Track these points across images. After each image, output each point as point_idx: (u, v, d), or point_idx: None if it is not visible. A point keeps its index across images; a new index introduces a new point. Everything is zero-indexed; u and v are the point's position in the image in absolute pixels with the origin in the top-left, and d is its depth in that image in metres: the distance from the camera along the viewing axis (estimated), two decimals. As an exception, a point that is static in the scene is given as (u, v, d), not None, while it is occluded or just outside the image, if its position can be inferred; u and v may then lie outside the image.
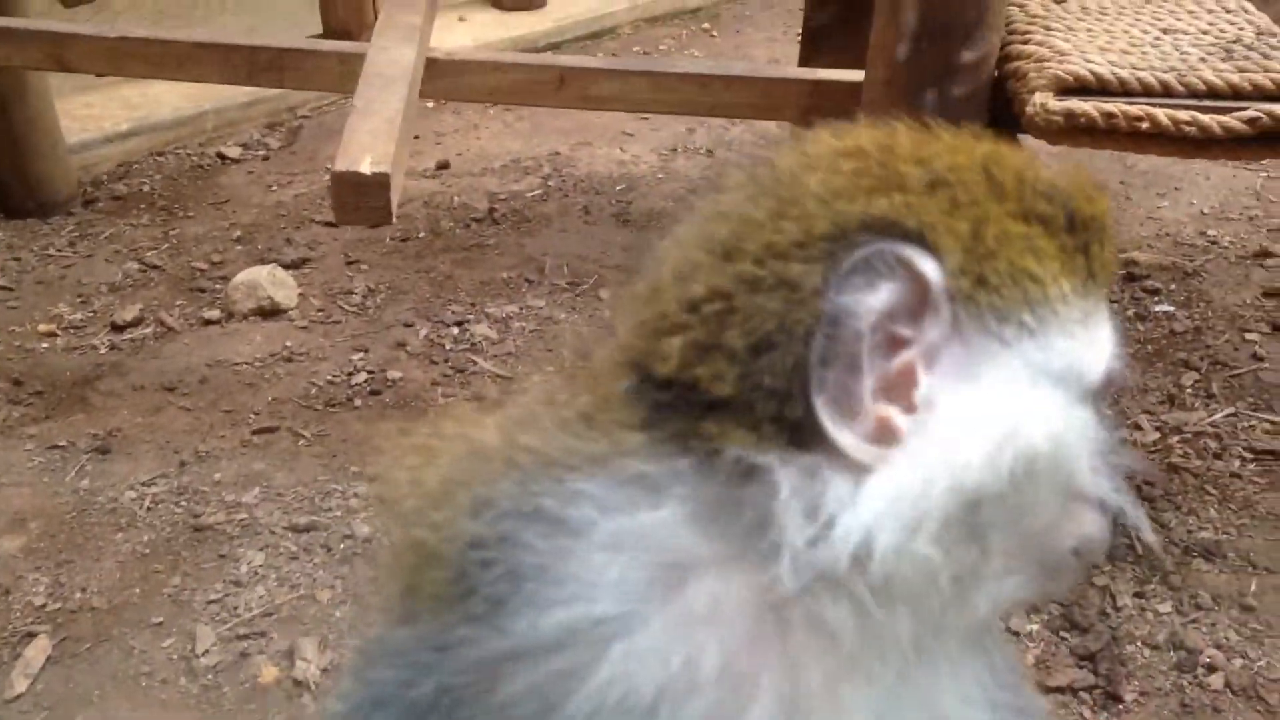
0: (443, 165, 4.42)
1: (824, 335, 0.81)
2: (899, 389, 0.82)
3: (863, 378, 0.81)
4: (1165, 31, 2.37)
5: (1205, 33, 2.37)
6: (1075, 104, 2.14)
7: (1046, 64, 2.21)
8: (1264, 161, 4.37)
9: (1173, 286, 3.74)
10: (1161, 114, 2.10)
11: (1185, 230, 4.02)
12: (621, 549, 0.84)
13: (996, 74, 2.39)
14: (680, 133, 4.70)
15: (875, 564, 0.81)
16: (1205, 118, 2.10)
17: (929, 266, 0.81)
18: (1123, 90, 2.16)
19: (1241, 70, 2.17)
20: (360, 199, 1.96)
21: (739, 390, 0.82)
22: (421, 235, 4.00)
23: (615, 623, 0.83)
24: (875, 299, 0.80)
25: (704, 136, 4.68)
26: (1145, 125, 2.10)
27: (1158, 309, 3.63)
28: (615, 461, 0.86)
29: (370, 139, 2.03)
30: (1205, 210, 4.14)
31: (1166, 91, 2.16)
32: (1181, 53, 2.26)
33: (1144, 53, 2.26)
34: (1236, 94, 2.14)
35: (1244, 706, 2.42)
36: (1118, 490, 0.90)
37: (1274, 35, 2.29)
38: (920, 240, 0.82)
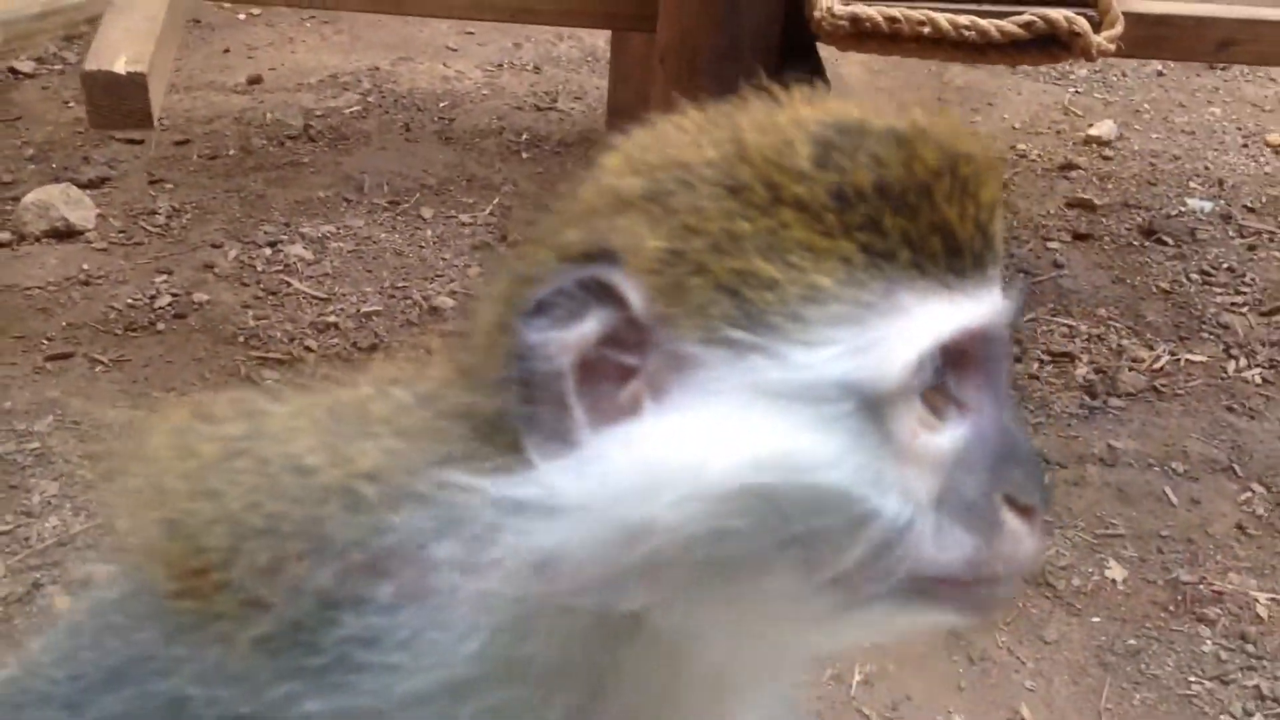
0: (254, 80, 4.23)
1: (520, 375, 0.78)
2: (623, 418, 0.78)
3: (571, 413, 0.77)
4: (955, -62, 2.42)
5: (993, -60, 2.42)
6: (860, 8, 2.16)
7: (836, -32, 2.23)
8: (1072, 76, 4.54)
9: (983, 198, 3.86)
10: (943, 19, 2.15)
11: (996, 144, 4.11)
12: (465, 608, 0.81)
13: (796, -21, 2.40)
14: (507, 48, 4.60)
15: (563, 596, 0.78)
16: (984, 22, 2.15)
17: (631, 292, 0.77)
18: (906, -4, 2.20)
19: (1022, -24, 2.24)
20: (116, 101, 1.86)
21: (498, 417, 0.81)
22: (231, 153, 3.83)
23: (467, 683, 0.82)
24: (569, 334, 0.77)
25: (531, 52, 4.60)
26: (927, 30, 2.14)
27: (968, 221, 3.75)
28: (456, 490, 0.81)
29: (126, 37, 1.92)
30: (1017, 125, 4.27)
31: (949, -3, 2.21)
32: (968, -41, 2.31)
33: (931, -41, 2.30)
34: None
35: (1034, 594, 2.56)
36: (913, 508, 0.78)
37: (1057, -57, 2.35)
38: (616, 263, 0.78)
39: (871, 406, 0.76)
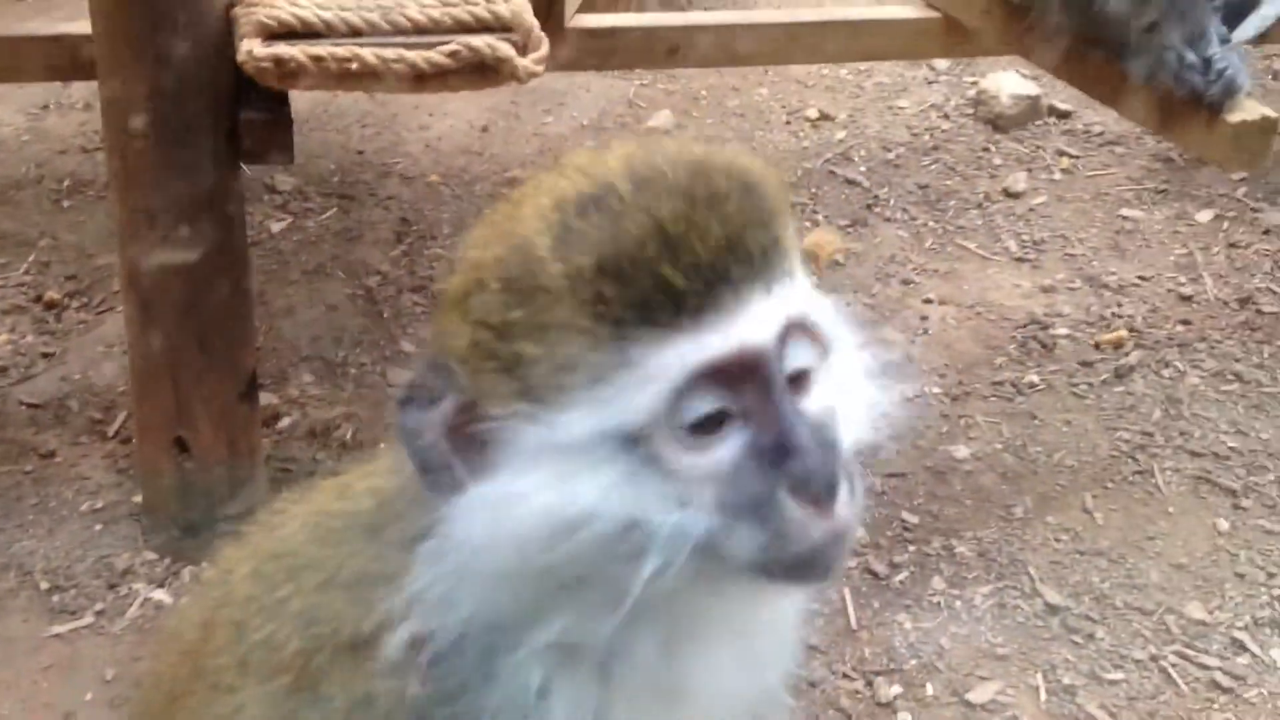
0: None
1: (410, 451, 1.01)
2: (487, 473, 0.97)
3: (454, 470, 0.98)
4: (384, -30, 2.45)
5: (423, -31, 2.46)
6: (282, 49, 2.16)
7: (254, 9, 2.21)
8: (636, 70, 4.72)
9: (548, 199, 3.97)
10: (368, 53, 2.17)
11: (566, 143, 4.26)
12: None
13: (234, 21, 2.36)
14: (54, 87, 4.32)
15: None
16: (411, 54, 2.19)
17: (460, 378, 0.97)
18: (329, 32, 2.21)
19: (446, 5, 2.28)
20: None
21: None
22: None
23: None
24: (434, 414, 0.98)
25: (83, 89, 4.34)
26: (355, 65, 2.16)
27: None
28: None
29: None
30: (585, 122, 4.41)
31: (374, 30, 2.23)
32: (393, -9, 2.34)
33: (355, -7, 2.32)
34: (440, 29, 2.25)
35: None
36: (693, 518, 0.93)
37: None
38: (448, 356, 0.98)
39: (631, 445, 0.92)
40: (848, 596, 2.72)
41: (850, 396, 1.04)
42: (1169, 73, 2.64)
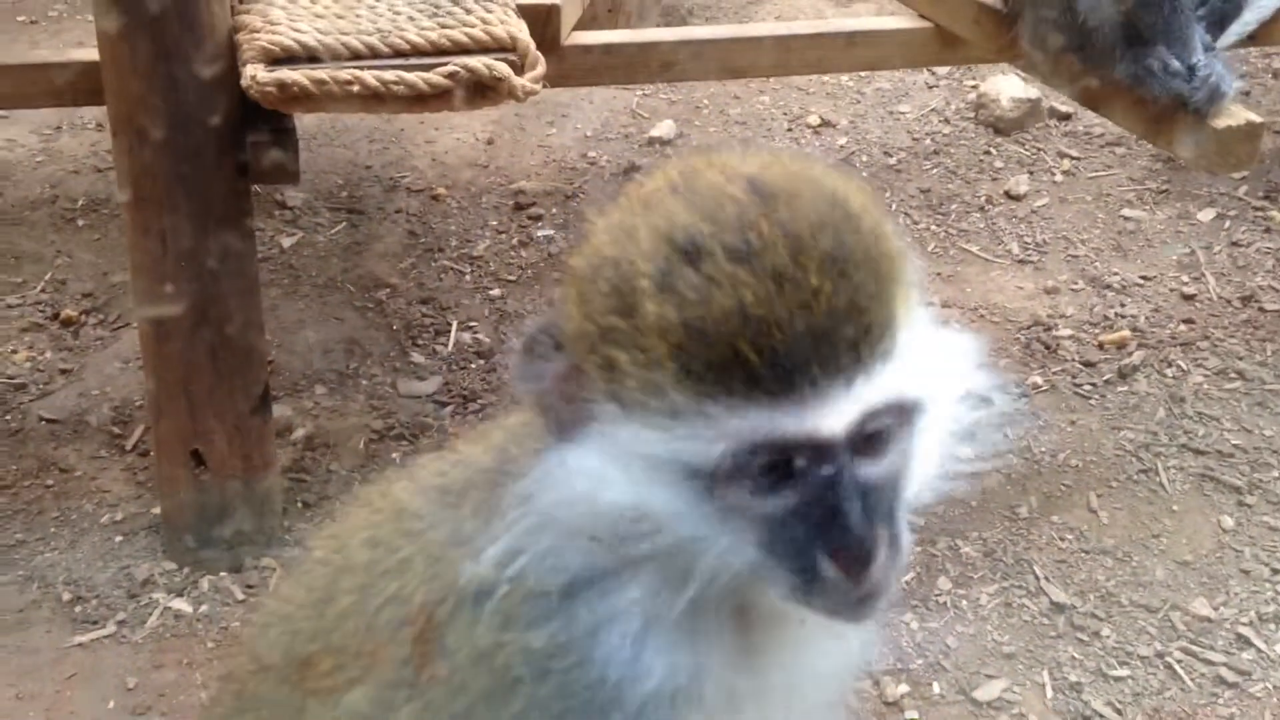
0: None
1: (527, 386, 1.09)
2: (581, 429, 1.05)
3: (559, 414, 1.07)
4: (386, -10, 2.50)
5: (425, -11, 2.52)
6: (285, 74, 2.21)
7: (257, 35, 2.26)
8: (638, 79, 4.76)
9: (554, 210, 4.01)
10: (369, 76, 2.22)
11: (570, 154, 4.31)
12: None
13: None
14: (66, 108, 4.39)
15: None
16: (411, 75, 2.23)
17: (569, 347, 1.05)
18: (331, 56, 2.26)
19: (443, 27, 2.33)
20: None
21: None
22: None
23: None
24: (545, 366, 1.06)
25: (95, 110, 4.41)
26: (356, 88, 2.21)
27: (540, 234, 3.90)
28: None
29: None
30: (589, 133, 4.45)
31: (373, 54, 2.28)
32: (394, 13, 2.38)
33: (356, 16, 2.37)
34: (438, 50, 2.30)
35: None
36: (732, 549, 1.02)
37: (481, -11, 2.47)
38: (559, 326, 1.06)
39: (695, 478, 1.00)
40: (854, 597, 2.75)
41: (929, 453, 1.09)
42: (1155, 80, 2.68)
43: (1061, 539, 2.92)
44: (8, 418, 3.11)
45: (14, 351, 3.30)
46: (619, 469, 1.01)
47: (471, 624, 1.12)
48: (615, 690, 1.08)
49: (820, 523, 0.99)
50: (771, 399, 0.96)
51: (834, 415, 0.98)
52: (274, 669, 1.34)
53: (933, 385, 1.05)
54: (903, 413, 1.03)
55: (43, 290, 3.53)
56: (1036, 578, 2.82)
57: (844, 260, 0.98)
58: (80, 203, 3.88)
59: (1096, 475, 3.08)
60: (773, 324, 0.95)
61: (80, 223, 3.80)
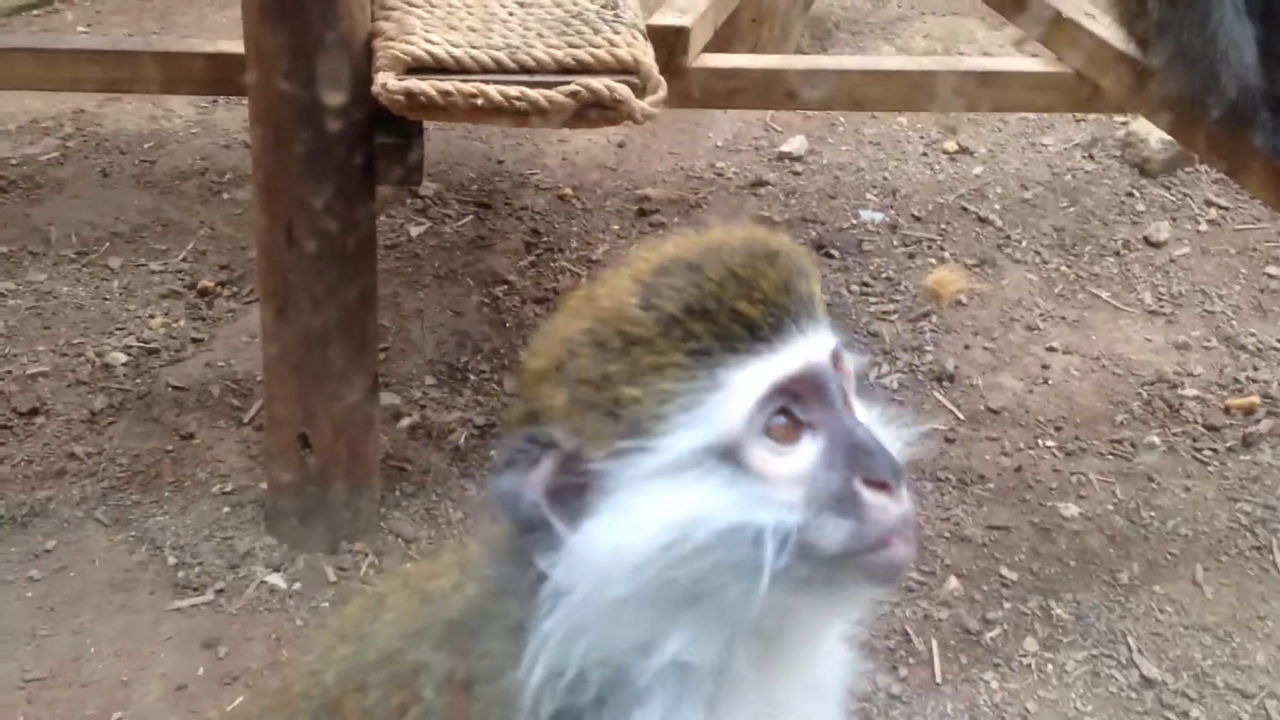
0: (-55, 131, 4.16)
1: (510, 516, 1.12)
2: (587, 518, 1.10)
3: (553, 528, 1.10)
4: (521, 5, 2.54)
5: (559, 5, 2.54)
6: (414, 83, 2.27)
7: (392, 43, 2.33)
8: (763, 105, 4.72)
9: (676, 219, 4.03)
10: (494, 90, 2.27)
11: (699, 163, 4.31)
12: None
13: (376, 50, 2.49)
14: (225, 82, 4.59)
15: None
16: (533, 92, 2.27)
17: (559, 437, 1.10)
18: (459, 69, 2.31)
19: (570, 46, 2.36)
20: None
21: None
22: (-95, 211, 3.77)
23: None
24: (533, 476, 1.10)
25: (250, 86, 4.60)
26: (481, 102, 2.26)
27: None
28: None
29: None
30: (720, 144, 4.44)
31: (500, 69, 2.32)
32: (525, 29, 2.42)
33: (489, 31, 2.41)
34: (563, 69, 2.33)
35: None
36: (788, 515, 1.08)
37: (615, 9, 2.49)
38: (544, 420, 1.11)
39: (727, 456, 1.07)
40: (935, 648, 2.71)
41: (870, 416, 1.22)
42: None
43: (1161, 610, 2.82)
44: (139, 381, 3.28)
45: (151, 316, 3.48)
46: (655, 497, 1.07)
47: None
48: None
49: (845, 457, 1.09)
50: (769, 345, 1.09)
51: (817, 347, 1.12)
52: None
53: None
54: (841, 362, 1.17)
55: (184, 259, 3.70)
56: (1129, 649, 2.72)
57: (779, 242, 1.17)
58: (228, 176, 4.05)
59: (1205, 547, 2.95)
60: (759, 278, 1.10)
61: (225, 196, 3.98)
